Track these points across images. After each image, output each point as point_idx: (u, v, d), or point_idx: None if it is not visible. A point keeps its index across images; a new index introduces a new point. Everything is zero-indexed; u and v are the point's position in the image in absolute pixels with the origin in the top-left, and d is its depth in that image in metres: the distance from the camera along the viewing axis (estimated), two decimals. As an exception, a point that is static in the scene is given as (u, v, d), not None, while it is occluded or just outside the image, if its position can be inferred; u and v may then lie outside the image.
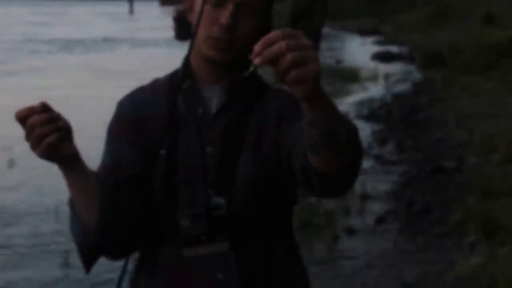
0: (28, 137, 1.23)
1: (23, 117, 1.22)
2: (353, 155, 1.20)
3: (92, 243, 1.38)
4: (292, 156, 1.34)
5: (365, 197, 5.92)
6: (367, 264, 4.59)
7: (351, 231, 5.13)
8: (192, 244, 1.43)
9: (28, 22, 38.96)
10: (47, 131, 1.22)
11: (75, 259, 4.70)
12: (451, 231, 4.92)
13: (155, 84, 1.55)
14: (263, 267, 1.46)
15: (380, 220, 5.35)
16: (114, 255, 1.46)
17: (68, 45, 23.89)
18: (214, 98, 1.47)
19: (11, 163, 7.44)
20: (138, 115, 1.49)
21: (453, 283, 4.03)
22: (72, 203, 1.38)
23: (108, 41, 25.30)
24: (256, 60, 1.00)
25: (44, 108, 1.22)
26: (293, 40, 0.99)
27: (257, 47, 0.99)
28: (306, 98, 1.06)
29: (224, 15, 1.39)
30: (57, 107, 1.25)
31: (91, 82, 13.99)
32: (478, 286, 3.88)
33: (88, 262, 1.42)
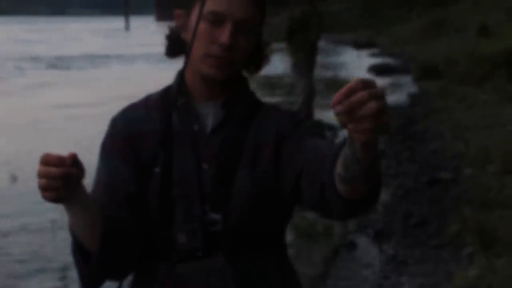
0: (39, 178, 1.21)
1: (45, 162, 1.20)
2: (378, 182, 1.23)
3: (95, 268, 1.36)
4: (304, 179, 1.36)
5: (363, 210, 5.92)
6: (364, 277, 4.60)
7: (351, 244, 5.13)
8: (188, 260, 1.43)
9: (22, 39, 38.76)
10: (52, 186, 1.20)
11: (73, 274, 4.70)
12: (448, 243, 4.91)
13: (148, 100, 1.55)
14: (259, 283, 1.47)
15: (377, 232, 5.35)
16: (114, 278, 1.43)
17: (57, 62, 23.77)
18: (209, 114, 1.48)
19: (14, 178, 7.43)
20: (131, 132, 1.49)
21: (450, 293, 4.04)
22: (72, 231, 1.36)
23: (101, 57, 25.21)
24: (338, 108, 1.00)
25: (61, 162, 1.20)
26: (374, 90, 1.00)
27: (338, 95, 1.00)
28: (367, 143, 1.06)
29: (224, 34, 1.40)
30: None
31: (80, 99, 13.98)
32: (475, 296, 3.89)
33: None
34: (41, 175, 1.20)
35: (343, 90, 1.00)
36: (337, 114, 1.01)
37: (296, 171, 1.39)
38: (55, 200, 1.23)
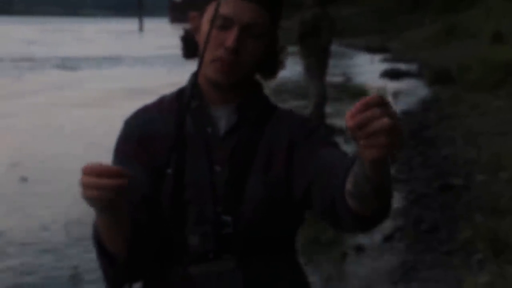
0: (83, 188, 1.20)
1: (87, 173, 1.19)
2: (389, 199, 1.23)
3: (120, 270, 1.35)
4: (315, 190, 1.37)
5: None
6: (374, 281, 4.58)
7: (359, 248, 5.12)
8: (200, 262, 1.44)
9: (34, 40, 38.83)
10: (105, 197, 1.19)
11: (84, 274, 4.73)
12: (459, 249, 4.89)
13: (161, 103, 1.55)
14: (269, 286, 1.47)
15: (388, 237, 5.33)
16: (135, 279, 1.44)
17: (69, 62, 23.71)
18: (222, 118, 1.49)
19: (24, 179, 7.46)
20: (145, 135, 1.49)
21: (461, 301, 4.03)
22: (98, 234, 1.35)
23: (114, 58, 25.26)
24: (349, 123, 1.01)
25: (113, 173, 1.19)
26: (387, 108, 1.01)
27: (353, 110, 1.01)
28: (377, 161, 1.06)
29: (230, 38, 1.41)
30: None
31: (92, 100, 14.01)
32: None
33: None
34: (91, 186, 1.18)
35: (358, 105, 1.00)
36: (350, 129, 1.02)
37: (309, 179, 1.39)
38: (101, 209, 1.24)
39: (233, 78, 1.45)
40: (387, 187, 1.18)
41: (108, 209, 1.24)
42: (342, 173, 1.24)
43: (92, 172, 1.18)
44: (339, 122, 10.31)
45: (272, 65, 1.55)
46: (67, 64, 23.26)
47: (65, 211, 6.23)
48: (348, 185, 1.20)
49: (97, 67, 22.53)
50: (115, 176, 1.17)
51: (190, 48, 1.55)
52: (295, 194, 1.44)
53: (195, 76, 1.49)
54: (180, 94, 1.55)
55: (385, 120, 0.98)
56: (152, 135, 1.49)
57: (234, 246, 1.43)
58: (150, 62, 23.94)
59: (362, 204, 1.21)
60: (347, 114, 1.01)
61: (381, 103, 1.00)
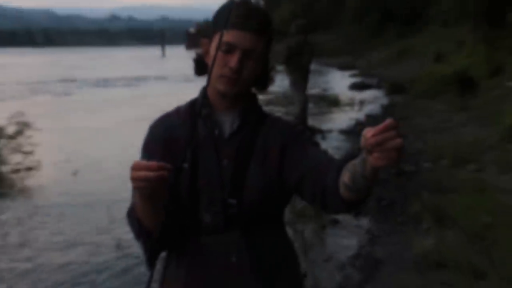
0: (133, 180, 1.22)
1: (136, 168, 1.21)
2: (371, 192, 1.26)
3: (155, 244, 1.39)
4: (306, 182, 1.39)
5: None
6: (346, 246, 4.60)
7: (334, 221, 5.13)
8: (211, 234, 1.44)
9: (79, 65, 38.82)
10: (144, 186, 1.22)
11: (125, 245, 4.73)
12: (410, 219, 4.92)
13: (179, 111, 1.54)
14: (266, 250, 1.48)
15: (357, 212, 5.34)
16: (163, 250, 1.47)
17: (104, 82, 23.71)
18: (227, 122, 1.48)
19: (75, 172, 7.48)
20: (167, 137, 1.49)
21: (411, 259, 4.03)
22: (135, 216, 1.36)
23: (140, 79, 25.14)
24: (371, 140, 1.05)
25: (153, 168, 1.21)
26: (397, 131, 1.05)
27: (372, 133, 1.05)
28: (380, 168, 1.09)
29: (233, 60, 1.40)
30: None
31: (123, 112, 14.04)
32: (430, 261, 3.88)
33: (152, 259, 1.41)
34: (140, 178, 1.20)
35: (380, 127, 1.04)
36: (370, 144, 1.05)
37: (301, 174, 1.40)
38: (148, 197, 1.26)
39: (235, 91, 1.45)
40: (373, 185, 1.21)
41: (152, 197, 1.27)
42: (335, 170, 1.28)
43: (140, 167, 1.21)
44: (318, 124, 10.36)
45: (265, 81, 1.55)
46: (102, 83, 23.32)
47: (107, 195, 6.24)
48: (345, 180, 1.23)
49: (127, 85, 22.44)
50: (156, 169, 1.20)
51: (200, 67, 1.54)
52: (287, 183, 1.44)
53: (204, 89, 1.48)
54: (193, 103, 1.54)
55: (398, 141, 1.04)
56: (172, 137, 1.48)
57: (238, 222, 1.43)
58: (170, 80, 23.92)
59: (354, 194, 1.24)
60: (367, 133, 1.06)
61: (395, 126, 1.04)
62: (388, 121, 1.06)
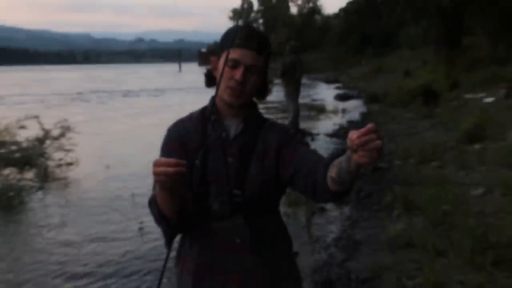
0: (155, 174, 1.21)
1: (157, 165, 1.20)
2: (354, 185, 1.26)
3: (173, 228, 1.38)
4: (299, 176, 1.38)
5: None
6: (331, 230, 4.59)
7: (322, 209, 5.13)
8: (219, 220, 1.43)
9: (110, 79, 38.92)
10: (164, 179, 1.21)
11: (146, 228, 4.72)
12: (384, 208, 4.91)
13: (191, 116, 1.53)
14: (264, 232, 1.47)
15: (340, 202, 5.34)
16: (180, 232, 1.47)
17: (131, 93, 23.82)
18: (232, 126, 1.47)
19: (107, 166, 7.48)
20: (182, 138, 1.47)
21: (385, 241, 4.02)
22: (156, 204, 1.35)
23: (160, 90, 25.27)
24: (356, 141, 1.05)
25: (172, 163, 1.20)
26: (378, 134, 1.05)
27: (357, 135, 1.05)
28: (363, 165, 1.09)
29: (238, 74, 1.39)
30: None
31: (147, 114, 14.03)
32: (401, 242, 3.88)
33: (170, 240, 1.41)
34: (161, 173, 1.19)
35: (363, 130, 1.05)
36: (355, 144, 1.05)
37: (294, 169, 1.39)
38: (167, 188, 1.25)
39: (240, 100, 1.44)
40: (356, 179, 1.21)
41: (170, 189, 1.26)
42: (323, 166, 1.27)
43: (160, 164, 1.20)
44: (308, 128, 10.34)
45: (264, 92, 1.54)
46: (128, 94, 23.45)
47: (133, 186, 6.23)
48: (333, 175, 1.23)
49: (150, 95, 22.51)
50: (175, 166, 1.19)
51: (210, 80, 1.53)
52: (282, 178, 1.43)
53: (213, 98, 1.48)
54: (203, 110, 1.53)
55: (378, 142, 1.04)
56: (186, 139, 1.47)
57: (241, 209, 1.43)
58: (185, 91, 23.94)
59: (340, 187, 1.23)
60: (352, 135, 1.06)
61: (376, 130, 1.04)
62: (370, 125, 1.05)
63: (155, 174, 1.21)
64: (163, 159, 1.20)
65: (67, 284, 3.68)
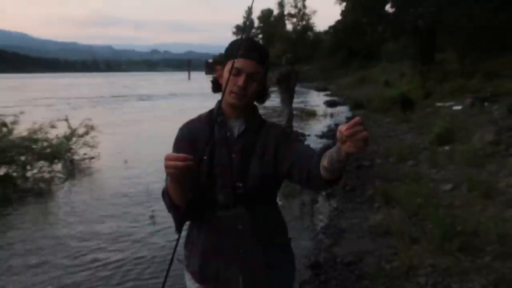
0: (166, 167, 1.20)
1: (169, 159, 1.19)
2: (343, 173, 1.25)
3: (183, 216, 1.37)
4: (295, 168, 1.36)
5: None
6: (319, 219, 4.59)
7: (313, 201, 5.13)
8: (224, 209, 1.41)
9: (127, 85, 38.80)
10: (174, 172, 1.19)
11: (158, 216, 4.70)
12: (366, 200, 4.91)
13: (200, 118, 1.52)
14: (263, 220, 1.45)
15: (328, 194, 5.33)
16: (188, 220, 1.45)
17: (145, 97, 23.79)
18: (236, 127, 1.46)
19: (125, 161, 7.46)
20: (192, 137, 1.46)
21: (367, 229, 4.02)
22: (168, 194, 1.35)
23: (172, 95, 25.28)
24: (345, 132, 1.06)
25: (180, 158, 1.19)
26: (364, 125, 1.05)
27: (346, 127, 1.06)
28: (351, 153, 1.09)
29: (240, 81, 1.39)
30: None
31: (164, 116, 14.02)
32: (380, 230, 3.88)
33: (179, 226, 1.39)
34: (171, 166, 1.18)
35: (351, 123, 1.06)
36: (345, 136, 1.06)
37: (290, 162, 1.38)
38: (177, 180, 1.24)
39: (242, 103, 1.43)
40: (345, 167, 1.21)
41: (180, 180, 1.25)
42: (316, 157, 1.27)
43: (171, 158, 1.19)
44: (301, 129, 10.32)
45: (263, 97, 1.53)
46: (144, 98, 23.41)
47: (147, 178, 6.22)
48: (325, 164, 1.22)
49: (162, 99, 22.50)
50: (184, 160, 1.18)
51: (216, 86, 1.52)
52: (280, 171, 1.42)
53: (219, 102, 1.47)
54: (210, 112, 1.52)
55: (364, 133, 1.04)
56: (195, 137, 1.46)
57: (243, 200, 1.41)
58: (193, 96, 23.93)
59: (331, 174, 1.23)
60: (341, 128, 1.07)
61: (361, 123, 1.05)
62: (357, 118, 1.06)
63: (167, 167, 1.19)
64: (174, 154, 1.19)
65: (88, 256, 3.72)
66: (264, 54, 1.43)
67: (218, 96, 1.47)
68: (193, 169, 1.23)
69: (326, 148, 1.25)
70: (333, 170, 1.21)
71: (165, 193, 1.36)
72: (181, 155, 1.19)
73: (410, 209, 4.19)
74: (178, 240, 1.27)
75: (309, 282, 3.14)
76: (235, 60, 1.37)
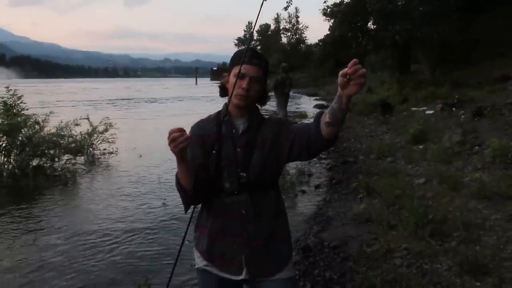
0: (171, 142, 1.21)
1: (171, 133, 1.21)
2: (339, 131, 1.28)
3: (189, 198, 1.37)
4: (295, 141, 1.37)
5: (310, 175, 5.90)
6: (309, 208, 4.58)
7: (303, 192, 5.13)
8: (230, 195, 1.42)
9: (139, 90, 38.65)
10: (180, 142, 1.21)
11: (169, 203, 4.68)
12: (351, 192, 4.91)
13: (209, 117, 1.53)
14: (264, 205, 1.45)
15: (317, 186, 5.34)
16: (196, 203, 1.44)
17: (156, 100, 23.65)
18: (240, 124, 1.47)
19: (140, 155, 7.44)
20: (202, 133, 1.46)
21: (351, 217, 4.03)
22: (178, 178, 1.35)
23: (180, 98, 25.10)
24: (349, 70, 1.13)
25: (180, 130, 1.21)
26: (360, 65, 1.12)
27: (348, 67, 1.12)
28: (352, 95, 1.15)
29: (244, 83, 1.40)
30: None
31: (169, 116, 13.97)
32: (362, 218, 3.88)
33: (187, 207, 1.40)
34: (171, 139, 1.20)
35: (352, 63, 1.12)
36: (349, 73, 1.12)
37: (290, 140, 1.39)
38: (179, 152, 1.23)
39: (246, 104, 1.44)
40: (345, 117, 1.23)
41: (182, 159, 1.26)
42: (314, 122, 1.30)
43: (171, 132, 1.21)
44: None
45: (264, 99, 1.54)
46: (152, 100, 23.27)
47: (159, 170, 6.21)
48: (326, 119, 1.25)
49: (171, 102, 22.38)
50: (179, 131, 1.20)
51: (223, 91, 1.53)
52: (281, 154, 1.41)
53: (226, 104, 1.48)
54: (218, 113, 1.53)
55: (364, 70, 1.13)
56: (205, 134, 1.47)
57: (247, 187, 1.42)
58: (200, 100, 23.86)
59: (333, 127, 1.25)
60: (343, 71, 1.13)
61: (358, 62, 1.12)
62: (354, 60, 1.12)
63: (169, 143, 1.21)
64: (173, 129, 1.21)
65: (104, 238, 3.73)
66: (264, 61, 1.46)
67: (221, 100, 1.49)
68: (203, 162, 1.24)
69: (320, 113, 1.29)
70: (336, 121, 1.23)
71: (176, 178, 1.38)
72: (176, 128, 1.20)
73: (389, 199, 4.20)
74: (190, 221, 1.28)
75: (299, 263, 3.15)
76: (242, 67, 1.39)
